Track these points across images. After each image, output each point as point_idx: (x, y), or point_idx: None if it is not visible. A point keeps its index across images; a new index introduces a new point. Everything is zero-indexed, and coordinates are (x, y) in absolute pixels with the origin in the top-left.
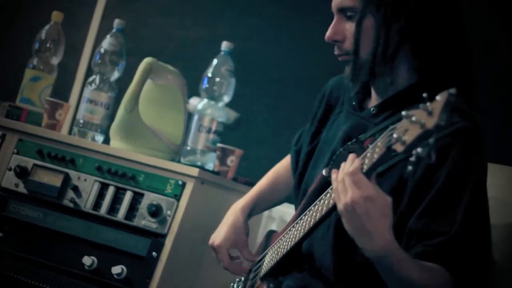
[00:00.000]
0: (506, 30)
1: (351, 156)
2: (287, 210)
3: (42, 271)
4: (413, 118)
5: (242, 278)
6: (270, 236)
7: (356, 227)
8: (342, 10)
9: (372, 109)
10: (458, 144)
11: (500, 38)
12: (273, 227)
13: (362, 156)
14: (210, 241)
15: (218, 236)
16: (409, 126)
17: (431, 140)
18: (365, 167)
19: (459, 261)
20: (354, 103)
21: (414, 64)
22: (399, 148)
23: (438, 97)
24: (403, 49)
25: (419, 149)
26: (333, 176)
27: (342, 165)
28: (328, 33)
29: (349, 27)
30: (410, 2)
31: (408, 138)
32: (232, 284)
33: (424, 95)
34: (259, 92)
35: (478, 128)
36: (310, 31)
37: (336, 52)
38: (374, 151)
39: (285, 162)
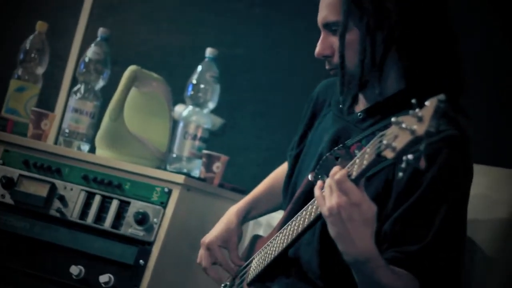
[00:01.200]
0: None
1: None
2: (274, 215)
3: (29, 281)
4: (403, 125)
5: (228, 283)
6: (255, 241)
7: (340, 232)
8: (327, 26)
9: (359, 114)
10: (444, 152)
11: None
12: (260, 232)
13: (351, 163)
14: (202, 240)
15: (209, 235)
16: (399, 133)
17: (421, 147)
18: (354, 173)
19: (429, 271)
20: (341, 106)
21: (401, 71)
22: (389, 154)
23: (427, 103)
24: (390, 56)
25: (409, 156)
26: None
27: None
28: (317, 50)
29: (336, 41)
30: (392, 9)
31: (398, 144)
32: None
33: (413, 101)
34: (245, 98)
35: (465, 136)
36: (295, 38)
37: (327, 67)
38: (363, 157)
39: (283, 168)
